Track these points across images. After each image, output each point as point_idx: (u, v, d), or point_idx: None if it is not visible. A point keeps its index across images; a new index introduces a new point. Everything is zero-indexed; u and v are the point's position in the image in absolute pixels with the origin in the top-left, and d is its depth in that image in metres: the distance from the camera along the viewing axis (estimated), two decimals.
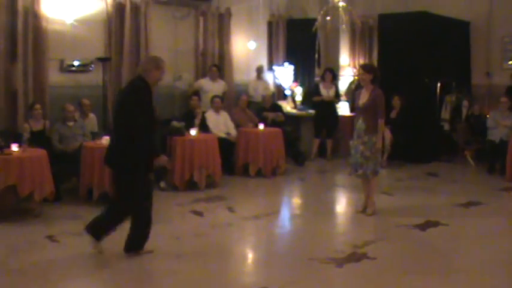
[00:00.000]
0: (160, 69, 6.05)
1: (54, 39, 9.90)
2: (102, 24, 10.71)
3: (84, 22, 10.31)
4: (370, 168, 7.77)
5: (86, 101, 9.79)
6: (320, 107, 12.44)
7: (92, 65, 10.50)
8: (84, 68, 10.42)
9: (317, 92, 12.45)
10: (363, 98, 7.84)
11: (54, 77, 10.00)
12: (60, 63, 10.18)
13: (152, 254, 6.19)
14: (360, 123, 7.80)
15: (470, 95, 12.99)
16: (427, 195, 9.36)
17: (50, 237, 6.72)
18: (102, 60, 10.48)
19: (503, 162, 10.54)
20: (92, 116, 9.93)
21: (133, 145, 5.77)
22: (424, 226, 7.37)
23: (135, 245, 6.16)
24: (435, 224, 7.48)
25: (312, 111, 12.87)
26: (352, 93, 12.41)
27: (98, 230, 6.11)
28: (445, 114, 12.88)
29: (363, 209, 8.02)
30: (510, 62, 13.09)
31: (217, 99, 10.98)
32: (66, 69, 10.24)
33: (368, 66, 8.65)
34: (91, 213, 7.61)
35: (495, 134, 11.01)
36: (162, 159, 6.07)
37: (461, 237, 7.08)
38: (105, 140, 8.41)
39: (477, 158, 11.79)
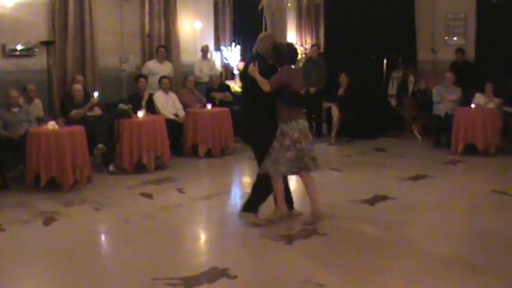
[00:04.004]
0: None
1: None
2: (44, 6, 10.49)
3: (26, 5, 10.09)
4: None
5: (31, 87, 9.60)
6: None
7: (36, 49, 10.29)
8: (27, 52, 10.21)
9: None
10: None
11: None
12: (2, 48, 9.94)
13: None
14: None
15: (416, 71, 13.18)
16: (376, 170, 9.50)
17: None
18: (46, 43, 10.28)
19: (448, 136, 10.74)
20: (37, 101, 9.75)
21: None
22: (372, 201, 7.47)
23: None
24: (383, 198, 7.59)
25: None
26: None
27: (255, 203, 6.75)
28: (392, 90, 13.11)
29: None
30: (455, 38, 13.32)
31: (166, 80, 10.91)
32: (9, 53, 10.01)
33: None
34: (39, 201, 7.59)
35: (440, 109, 11.20)
36: None
37: (409, 210, 7.18)
38: (51, 125, 8.29)
39: (424, 133, 12.00)
